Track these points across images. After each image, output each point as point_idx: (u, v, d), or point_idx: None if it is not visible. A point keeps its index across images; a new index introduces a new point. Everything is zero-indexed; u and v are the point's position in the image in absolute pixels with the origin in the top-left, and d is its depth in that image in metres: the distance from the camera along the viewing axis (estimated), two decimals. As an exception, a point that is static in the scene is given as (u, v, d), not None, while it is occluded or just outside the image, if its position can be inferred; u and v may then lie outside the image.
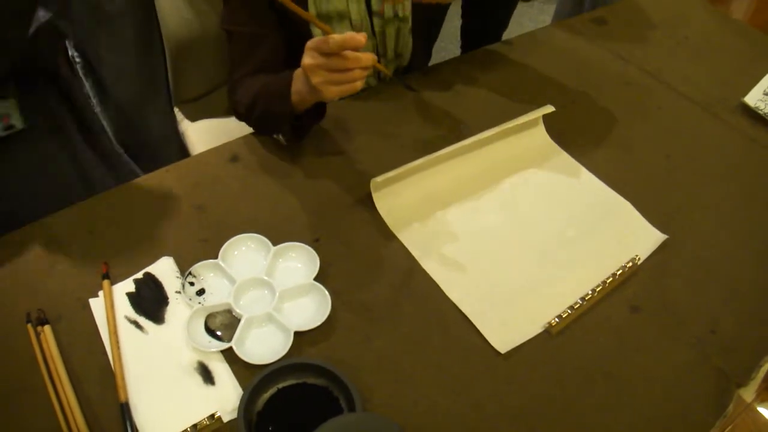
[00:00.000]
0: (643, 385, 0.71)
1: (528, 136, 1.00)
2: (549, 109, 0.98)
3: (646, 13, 1.33)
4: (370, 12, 1.02)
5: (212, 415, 0.66)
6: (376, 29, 1.04)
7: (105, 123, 1.28)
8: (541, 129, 1.01)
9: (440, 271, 0.81)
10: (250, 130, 1.01)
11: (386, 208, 0.88)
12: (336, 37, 0.75)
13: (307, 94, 0.84)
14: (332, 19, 0.99)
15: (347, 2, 0.99)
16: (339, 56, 0.76)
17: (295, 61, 0.82)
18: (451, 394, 0.70)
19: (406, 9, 1.03)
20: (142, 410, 0.67)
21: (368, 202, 0.89)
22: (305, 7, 0.98)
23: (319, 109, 0.92)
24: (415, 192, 0.91)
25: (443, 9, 1.12)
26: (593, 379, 0.72)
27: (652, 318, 0.77)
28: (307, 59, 0.79)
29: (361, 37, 0.74)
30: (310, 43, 0.78)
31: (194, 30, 1.16)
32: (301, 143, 0.97)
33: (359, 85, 0.79)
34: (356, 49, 0.75)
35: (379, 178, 0.86)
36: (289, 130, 0.92)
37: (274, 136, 0.97)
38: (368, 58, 0.77)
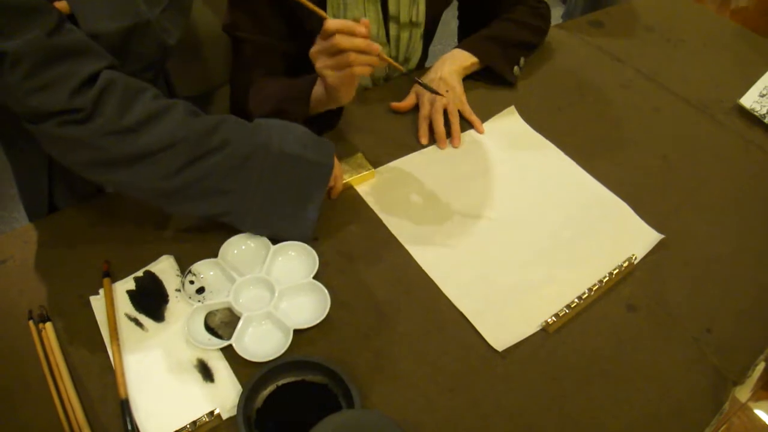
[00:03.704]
0: (640, 383, 0.72)
1: (506, 121, 1.05)
2: (512, 111, 1.05)
3: (643, 16, 1.34)
4: (386, 18, 1.03)
5: (211, 412, 0.66)
6: (391, 34, 1.05)
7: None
8: (517, 118, 1.05)
9: (438, 269, 0.82)
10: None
11: (382, 206, 0.89)
12: (331, 21, 0.76)
13: (324, 95, 0.86)
14: None
15: (364, 10, 0.99)
16: (333, 39, 0.77)
17: (310, 70, 0.83)
18: (449, 391, 0.70)
19: (420, 14, 1.05)
20: (141, 407, 0.67)
21: (366, 201, 0.90)
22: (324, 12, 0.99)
23: (332, 117, 0.93)
24: (413, 190, 0.91)
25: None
26: (590, 377, 0.72)
27: (648, 317, 0.78)
28: (313, 47, 0.82)
29: (357, 26, 0.76)
30: (318, 12, 0.80)
31: (193, 29, 1.17)
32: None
33: (358, 70, 0.79)
34: (352, 34, 0.76)
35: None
36: None
37: None
38: (366, 44, 0.77)
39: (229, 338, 0.72)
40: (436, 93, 0.91)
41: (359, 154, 0.94)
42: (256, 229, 0.81)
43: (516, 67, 1.11)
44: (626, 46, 1.24)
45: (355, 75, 0.80)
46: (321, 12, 0.79)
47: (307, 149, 0.80)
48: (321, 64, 0.81)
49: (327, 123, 0.95)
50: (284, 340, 0.72)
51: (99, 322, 0.74)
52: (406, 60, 1.12)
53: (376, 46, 0.78)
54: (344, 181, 0.90)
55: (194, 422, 0.65)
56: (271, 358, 0.70)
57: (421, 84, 0.90)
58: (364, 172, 0.92)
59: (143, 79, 0.74)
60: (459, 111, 1.02)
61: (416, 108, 1.05)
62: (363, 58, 0.78)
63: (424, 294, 0.80)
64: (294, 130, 0.81)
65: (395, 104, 1.05)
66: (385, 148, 0.98)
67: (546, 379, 0.72)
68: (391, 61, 0.84)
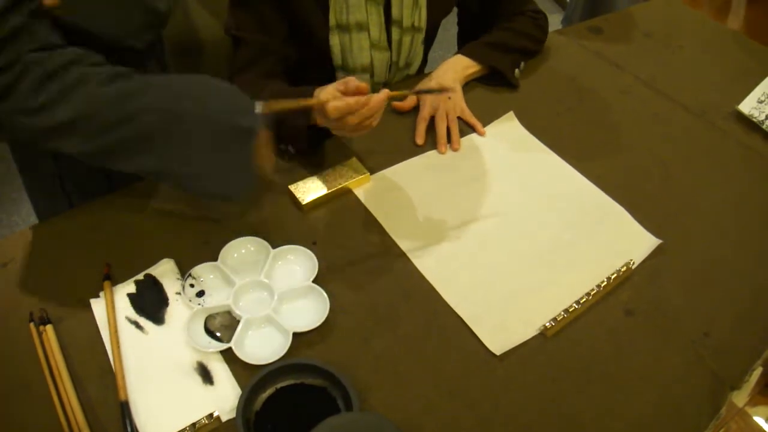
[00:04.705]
0: (638, 387, 0.72)
1: (504, 127, 1.05)
2: (511, 117, 1.05)
3: (641, 22, 1.35)
4: (388, 22, 1.04)
5: (211, 415, 0.66)
6: (394, 38, 1.06)
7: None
8: (515, 123, 1.06)
9: (437, 273, 0.82)
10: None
11: (382, 210, 0.89)
12: (332, 107, 0.79)
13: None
14: (351, 30, 1.01)
15: (367, 14, 1.00)
16: (342, 121, 0.80)
17: (310, 73, 0.84)
18: (447, 394, 0.71)
19: (422, 19, 1.05)
20: (141, 409, 0.68)
21: (365, 206, 0.90)
22: (326, 18, 1.00)
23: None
24: (412, 195, 0.92)
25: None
26: (587, 381, 0.72)
27: (646, 321, 0.78)
28: (318, 119, 0.85)
29: (357, 100, 0.78)
30: (316, 106, 0.83)
31: (193, 32, 1.18)
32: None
33: (375, 122, 0.84)
34: (356, 111, 0.79)
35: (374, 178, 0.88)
36: (305, 142, 0.93)
37: (282, 146, 0.96)
38: (373, 108, 0.81)
39: (228, 341, 0.73)
40: (438, 92, 0.91)
41: (353, 159, 0.95)
42: (185, 190, 0.80)
43: (516, 70, 1.12)
44: (625, 52, 1.25)
45: (372, 125, 0.84)
46: (318, 102, 0.81)
47: (230, 113, 0.79)
48: (335, 131, 0.86)
49: (327, 133, 0.95)
50: (284, 343, 0.73)
51: (99, 325, 0.75)
52: (407, 65, 1.12)
53: (382, 96, 0.80)
54: (341, 186, 0.91)
55: (194, 424, 0.66)
56: (270, 361, 0.71)
57: (422, 91, 0.91)
58: (359, 177, 0.92)
59: (145, 69, 0.74)
60: (459, 117, 1.03)
61: (415, 111, 1.05)
62: (374, 116, 0.82)
63: (422, 298, 0.80)
64: (219, 93, 0.80)
65: (397, 104, 1.06)
66: (384, 152, 0.99)
67: (544, 383, 0.72)
68: (398, 94, 0.86)
